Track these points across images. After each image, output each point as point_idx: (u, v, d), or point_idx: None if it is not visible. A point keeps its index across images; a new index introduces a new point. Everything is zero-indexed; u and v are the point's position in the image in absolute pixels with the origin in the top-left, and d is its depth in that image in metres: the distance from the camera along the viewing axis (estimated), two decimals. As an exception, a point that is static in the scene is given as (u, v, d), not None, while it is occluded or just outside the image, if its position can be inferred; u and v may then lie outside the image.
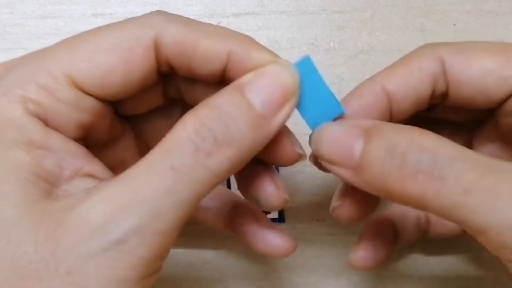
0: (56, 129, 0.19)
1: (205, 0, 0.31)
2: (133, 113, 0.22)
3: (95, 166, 0.19)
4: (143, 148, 0.23)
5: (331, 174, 0.21)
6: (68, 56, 0.19)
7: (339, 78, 0.30)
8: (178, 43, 0.19)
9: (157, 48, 0.19)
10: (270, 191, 0.21)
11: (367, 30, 0.30)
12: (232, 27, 0.31)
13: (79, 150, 0.19)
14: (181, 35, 0.19)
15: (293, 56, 0.30)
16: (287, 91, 0.19)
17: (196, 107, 0.18)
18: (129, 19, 0.20)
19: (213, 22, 0.31)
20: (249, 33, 0.31)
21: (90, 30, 0.20)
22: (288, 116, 0.19)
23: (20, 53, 0.31)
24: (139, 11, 0.31)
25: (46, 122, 0.18)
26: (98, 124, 0.20)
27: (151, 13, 0.20)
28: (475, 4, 0.31)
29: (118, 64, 0.19)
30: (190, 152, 0.17)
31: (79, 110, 0.19)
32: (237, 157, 0.18)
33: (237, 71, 0.19)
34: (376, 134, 0.19)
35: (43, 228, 0.17)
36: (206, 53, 0.19)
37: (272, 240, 0.24)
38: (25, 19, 0.31)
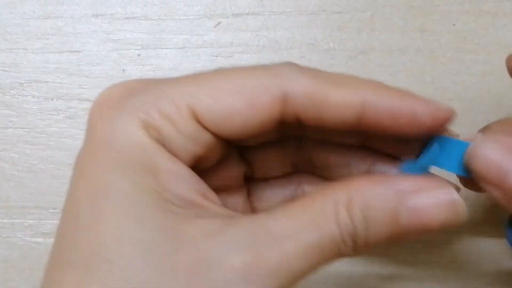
0: (177, 156, 0.18)
1: (205, 0, 0.31)
2: (245, 145, 0.22)
3: (213, 194, 0.19)
4: (248, 173, 0.23)
5: None
6: (194, 89, 0.18)
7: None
8: (308, 95, 0.18)
9: (284, 99, 0.19)
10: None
11: (367, 30, 0.30)
12: (232, 27, 0.31)
13: (199, 179, 0.19)
14: (311, 86, 0.19)
15: (293, 56, 0.31)
16: (439, 225, 0.18)
17: (350, 193, 0.18)
18: (258, 65, 0.19)
19: (213, 22, 0.31)
20: (249, 34, 0.31)
21: (217, 69, 0.19)
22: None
23: (21, 53, 0.31)
24: (139, 11, 0.31)
25: (169, 150, 0.18)
26: (210, 156, 0.20)
27: (282, 63, 0.19)
28: (474, 5, 0.31)
29: (242, 108, 0.18)
30: (338, 240, 0.17)
31: (196, 144, 0.19)
32: (357, 252, 0.18)
33: (372, 119, 0.19)
34: None
35: (181, 255, 0.17)
36: (339, 104, 0.18)
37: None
38: (25, 19, 0.31)
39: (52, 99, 0.30)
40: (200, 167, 0.20)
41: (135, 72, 0.30)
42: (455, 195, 0.18)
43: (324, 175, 0.23)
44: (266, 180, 0.24)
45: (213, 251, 0.17)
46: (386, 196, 0.18)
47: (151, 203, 0.17)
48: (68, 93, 0.30)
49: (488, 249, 0.30)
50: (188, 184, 0.18)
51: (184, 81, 0.19)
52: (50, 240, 0.29)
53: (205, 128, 0.19)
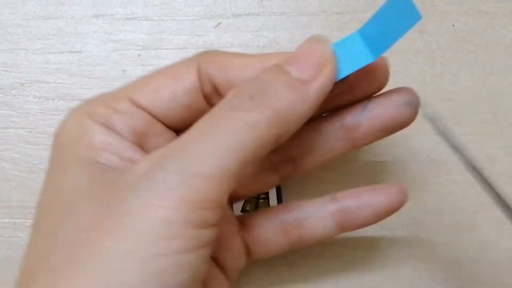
0: (115, 131, 0.21)
1: (206, 1, 0.31)
2: (181, 127, 0.24)
3: (143, 155, 0.21)
4: None
5: None
6: (131, 84, 0.23)
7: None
8: (216, 62, 0.22)
9: (199, 69, 0.22)
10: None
11: (367, 30, 0.30)
12: (232, 28, 0.31)
13: (135, 147, 0.22)
14: (218, 57, 0.22)
15: (293, 57, 0.31)
16: (321, 56, 0.20)
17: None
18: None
19: (214, 23, 0.31)
20: (249, 34, 0.31)
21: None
22: (329, 80, 0.20)
23: (22, 53, 0.31)
24: (139, 12, 0.31)
25: (108, 127, 0.21)
26: (154, 136, 0.23)
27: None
28: (474, 5, 0.31)
29: (166, 82, 0.22)
30: (227, 109, 0.19)
31: (133, 119, 0.22)
32: (275, 114, 0.19)
33: None
34: None
35: (98, 189, 0.19)
36: (241, 65, 0.22)
37: (376, 201, 0.24)
38: (26, 19, 0.31)
39: (53, 99, 0.30)
40: (149, 145, 0.23)
41: (136, 72, 0.30)
42: (313, 36, 0.21)
43: (305, 163, 0.25)
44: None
45: (123, 175, 0.19)
46: (269, 69, 0.21)
47: (82, 164, 0.20)
48: (69, 93, 0.30)
49: (488, 249, 0.30)
50: (119, 151, 0.21)
51: (127, 83, 0.23)
52: (51, 240, 0.30)
53: (141, 107, 0.22)
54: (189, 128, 0.19)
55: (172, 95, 0.22)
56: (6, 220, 0.30)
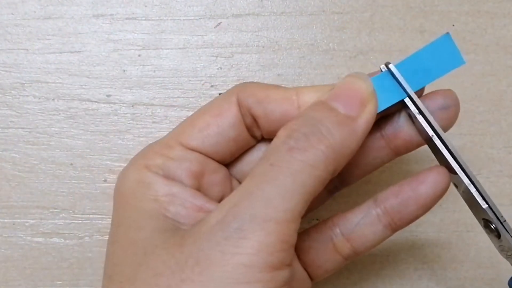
0: (174, 179, 0.22)
1: (206, 1, 0.31)
2: (230, 160, 0.25)
3: (214, 206, 0.22)
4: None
5: None
6: (178, 128, 0.24)
7: (339, 79, 0.30)
8: (253, 95, 0.23)
9: (239, 102, 0.23)
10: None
11: (367, 30, 0.31)
12: (232, 28, 0.31)
13: (196, 193, 0.22)
14: (255, 89, 0.23)
15: (293, 57, 0.31)
16: (364, 93, 0.21)
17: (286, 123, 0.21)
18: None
19: (214, 23, 0.31)
20: (249, 34, 0.31)
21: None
22: (373, 115, 0.21)
23: (22, 53, 0.31)
24: (139, 12, 0.31)
25: (167, 177, 0.22)
26: (210, 175, 0.24)
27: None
28: (473, 5, 0.31)
29: (211, 120, 0.23)
30: (285, 150, 0.20)
31: (188, 162, 0.23)
32: (331, 152, 0.20)
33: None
34: None
35: (172, 239, 0.20)
36: (278, 98, 0.23)
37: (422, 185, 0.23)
38: (26, 19, 0.31)
39: (53, 99, 0.30)
40: (207, 185, 0.23)
41: (136, 72, 0.30)
42: (353, 73, 0.22)
43: None
44: None
45: (195, 226, 0.20)
46: (314, 106, 0.22)
47: (152, 218, 0.21)
48: (69, 93, 0.30)
49: (488, 249, 0.30)
50: (183, 201, 0.22)
51: (174, 129, 0.24)
52: (51, 240, 0.30)
53: (191, 148, 0.23)
54: (251, 173, 0.20)
55: (218, 130, 0.23)
56: (6, 220, 0.30)
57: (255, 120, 0.23)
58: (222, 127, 0.23)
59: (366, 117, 0.21)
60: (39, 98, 0.30)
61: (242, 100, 0.23)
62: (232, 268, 0.18)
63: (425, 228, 0.30)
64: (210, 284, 0.18)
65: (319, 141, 0.20)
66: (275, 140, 0.21)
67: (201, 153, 0.23)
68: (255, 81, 0.30)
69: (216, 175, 0.24)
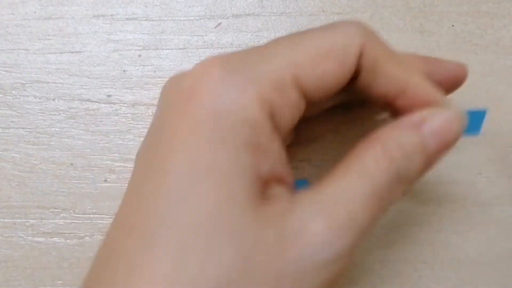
0: (279, 131, 0.19)
1: (206, 1, 0.31)
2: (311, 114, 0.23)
3: (289, 173, 0.20)
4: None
5: None
6: (293, 57, 0.19)
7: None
8: (373, 58, 0.20)
9: (363, 57, 0.20)
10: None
11: (367, 31, 0.31)
12: (232, 28, 0.31)
13: (285, 158, 0.20)
14: (377, 53, 0.20)
15: (293, 57, 0.31)
16: (455, 138, 0.21)
17: (384, 136, 0.20)
18: (334, 24, 0.21)
19: (214, 23, 0.31)
20: (249, 34, 0.31)
21: (302, 33, 0.20)
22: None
23: (22, 54, 0.31)
24: (140, 12, 0.31)
25: (273, 122, 0.19)
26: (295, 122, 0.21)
27: (356, 24, 0.20)
28: (473, 5, 0.31)
29: (336, 69, 0.20)
30: (388, 185, 0.19)
31: (297, 112, 0.20)
32: (404, 191, 0.20)
33: (410, 102, 0.21)
34: None
35: (271, 232, 0.18)
36: (389, 77, 0.21)
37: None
38: (26, 20, 0.31)
39: (53, 99, 0.30)
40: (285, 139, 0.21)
41: (136, 72, 0.30)
42: (455, 107, 0.21)
43: None
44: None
45: (294, 224, 0.18)
46: (411, 132, 0.20)
47: (245, 182, 0.18)
48: (70, 93, 0.30)
49: (488, 249, 0.30)
50: (276, 162, 0.19)
51: (282, 48, 0.20)
52: (52, 240, 0.30)
53: (305, 94, 0.19)
54: (344, 175, 0.19)
55: (338, 84, 0.20)
56: (6, 220, 0.30)
57: (355, 78, 0.21)
58: (341, 80, 0.20)
59: (442, 155, 0.21)
60: (40, 98, 0.30)
61: (361, 57, 0.20)
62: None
63: (425, 228, 0.30)
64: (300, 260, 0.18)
65: (404, 183, 0.20)
66: (373, 163, 0.19)
67: (308, 99, 0.20)
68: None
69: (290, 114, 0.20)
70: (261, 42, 0.31)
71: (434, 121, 0.21)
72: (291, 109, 0.19)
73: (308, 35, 0.20)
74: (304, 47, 0.19)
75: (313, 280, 0.18)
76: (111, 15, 0.31)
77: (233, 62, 0.19)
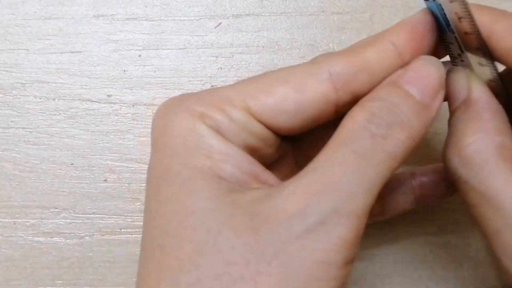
0: (231, 142, 0.20)
1: (206, 1, 0.31)
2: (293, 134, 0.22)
3: (270, 176, 0.20)
4: (301, 164, 0.24)
5: None
6: (246, 87, 0.20)
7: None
8: (347, 68, 0.20)
9: (332, 79, 0.20)
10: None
11: (367, 31, 0.31)
12: (232, 28, 0.31)
13: (252, 160, 0.20)
14: (345, 58, 0.20)
15: (293, 57, 0.31)
16: (437, 82, 0.20)
17: (359, 103, 0.20)
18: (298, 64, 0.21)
19: (214, 23, 0.31)
20: (249, 34, 0.32)
21: (265, 72, 0.21)
22: (440, 106, 0.20)
23: (22, 54, 0.31)
24: (140, 12, 0.31)
25: (223, 136, 0.20)
26: (264, 149, 0.21)
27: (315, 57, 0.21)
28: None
29: (292, 95, 0.20)
30: (367, 138, 0.18)
31: (248, 133, 0.20)
32: (409, 140, 0.19)
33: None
34: None
35: (238, 217, 0.18)
36: (371, 66, 0.20)
37: None
38: (27, 20, 0.31)
39: (53, 99, 0.30)
40: (260, 160, 0.21)
41: (136, 72, 0.31)
42: (426, 57, 0.21)
43: None
44: None
45: (267, 208, 0.18)
46: (388, 86, 0.20)
47: (205, 178, 0.19)
48: (70, 93, 0.30)
49: (488, 249, 0.30)
50: (240, 164, 0.20)
51: (237, 83, 0.21)
52: (52, 239, 0.30)
53: (259, 120, 0.20)
54: (330, 156, 0.19)
55: (299, 108, 0.20)
56: (6, 220, 0.30)
57: (356, 96, 0.21)
58: (304, 106, 0.20)
59: (436, 107, 0.20)
60: (40, 98, 0.30)
61: (334, 76, 0.20)
62: (310, 264, 0.17)
63: (425, 228, 0.30)
64: (288, 279, 0.17)
65: (400, 131, 0.19)
66: (352, 122, 0.19)
67: (267, 127, 0.20)
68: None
69: (271, 149, 0.22)
70: (261, 42, 0.31)
71: (408, 71, 0.20)
72: (239, 126, 0.20)
73: (272, 71, 0.21)
74: (260, 80, 0.21)
75: (300, 249, 0.17)
76: (111, 15, 0.31)
77: (187, 96, 0.21)
